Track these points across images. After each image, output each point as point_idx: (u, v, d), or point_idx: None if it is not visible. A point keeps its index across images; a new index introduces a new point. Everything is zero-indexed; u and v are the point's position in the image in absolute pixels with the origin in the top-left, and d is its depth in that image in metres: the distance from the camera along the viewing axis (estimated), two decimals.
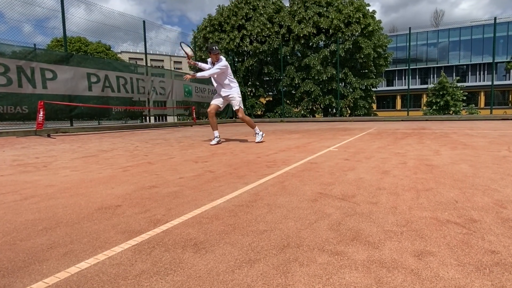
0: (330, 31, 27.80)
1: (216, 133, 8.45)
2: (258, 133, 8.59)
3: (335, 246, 1.97)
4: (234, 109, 8.63)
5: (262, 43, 28.87)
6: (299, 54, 29.50)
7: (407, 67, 25.83)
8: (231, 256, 1.86)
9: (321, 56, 27.73)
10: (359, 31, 27.64)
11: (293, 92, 29.64)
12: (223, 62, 8.31)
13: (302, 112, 29.17)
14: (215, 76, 8.37)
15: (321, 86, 28.52)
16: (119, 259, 1.85)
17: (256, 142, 8.35)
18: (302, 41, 28.22)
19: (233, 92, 8.57)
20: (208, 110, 8.52)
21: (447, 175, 3.90)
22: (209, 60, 8.58)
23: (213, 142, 8.25)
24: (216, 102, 8.55)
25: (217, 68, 8.22)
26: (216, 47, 8.15)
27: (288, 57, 28.96)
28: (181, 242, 2.05)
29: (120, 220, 2.49)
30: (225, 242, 2.04)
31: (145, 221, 2.45)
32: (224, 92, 8.52)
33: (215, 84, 8.58)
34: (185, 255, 1.88)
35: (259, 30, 28.39)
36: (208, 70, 8.44)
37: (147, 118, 20.32)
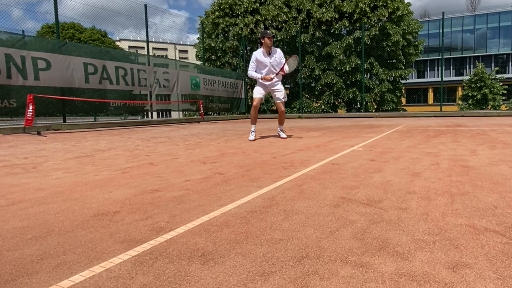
0: (355, 15, 27.69)
1: (254, 127, 9.06)
2: (283, 131, 9.37)
3: (360, 257, 1.95)
4: (278, 101, 9.15)
5: (279, 29, 28.83)
6: (320, 43, 29.42)
7: (440, 57, 25.66)
8: (243, 268, 1.85)
9: (344, 44, 27.65)
10: (387, 16, 27.51)
11: (313, 84, 29.59)
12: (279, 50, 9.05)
13: (323, 107, 29.10)
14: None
15: (344, 77, 28.46)
16: (118, 271, 1.85)
17: (282, 138, 9.08)
18: (323, 28, 28.13)
19: (280, 82, 9.15)
20: (254, 104, 8.99)
21: (485, 177, 3.87)
22: (258, 52, 8.87)
23: (252, 137, 8.66)
24: (260, 95, 9.02)
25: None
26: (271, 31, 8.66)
27: (307, 45, 28.87)
28: (187, 253, 2.05)
29: (119, 228, 2.49)
30: (236, 253, 2.03)
31: (146, 229, 2.45)
32: (273, 84, 9.02)
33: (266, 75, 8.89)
34: (191, 267, 1.87)
35: (275, 15, 28.32)
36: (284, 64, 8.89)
37: (149, 113, 20.37)
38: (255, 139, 8.65)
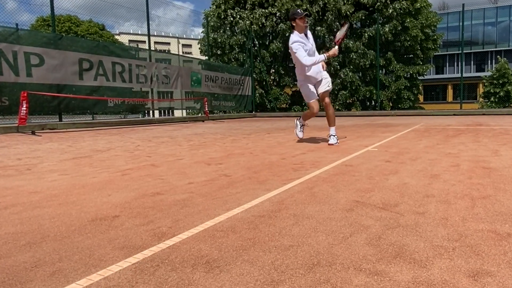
0: (373, 7, 27.62)
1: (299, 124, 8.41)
2: (334, 135, 7.64)
3: (374, 264, 1.95)
4: (323, 91, 7.79)
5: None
6: (333, 36, 29.37)
7: (460, 51, 25.59)
8: (250, 276, 1.85)
9: (363, 38, 27.61)
10: (405, 7, 27.44)
11: None
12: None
13: (337, 107, 29.05)
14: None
15: (360, 74, 28.40)
16: (117, 280, 1.84)
17: (329, 144, 7.48)
18: (342, 20, 28.03)
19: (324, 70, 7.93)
20: (315, 111, 7.77)
21: (508, 179, 3.86)
22: (296, 36, 7.45)
23: (333, 141, 7.53)
24: (316, 96, 7.80)
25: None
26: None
27: (320, 40, 28.80)
28: (190, 260, 2.05)
29: (118, 233, 2.49)
30: (243, 260, 2.03)
31: (147, 234, 2.45)
32: (317, 73, 7.74)
33: (308, 68, 7.66)
34: (195, 276, 1.87)
35: (289, 7, 28.24)
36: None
37: (150, 112, 20.39)
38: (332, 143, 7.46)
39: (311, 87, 7.71)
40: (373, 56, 27.42)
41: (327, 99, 7.77)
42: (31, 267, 1.99)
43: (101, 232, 2.51)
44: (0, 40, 12.43)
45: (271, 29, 28.73)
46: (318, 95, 7.80)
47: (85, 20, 53.79)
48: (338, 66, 28.50)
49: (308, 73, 7.61)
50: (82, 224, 2.69)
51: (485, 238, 2.25)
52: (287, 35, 28.29)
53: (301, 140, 8.29)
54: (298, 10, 7.47)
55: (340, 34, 7.78)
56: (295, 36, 7.44)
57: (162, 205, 3.15)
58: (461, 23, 26.80)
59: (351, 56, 27.88)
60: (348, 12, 27.46)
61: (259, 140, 8.70)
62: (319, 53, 7.50)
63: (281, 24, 28.54)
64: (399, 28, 27.66)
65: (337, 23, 28.10)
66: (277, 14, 28.88)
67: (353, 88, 28.31)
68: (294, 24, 7.44)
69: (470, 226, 2.47)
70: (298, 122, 8.39)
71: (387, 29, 27.19)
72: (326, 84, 7.75)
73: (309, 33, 7.64)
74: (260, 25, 28.82)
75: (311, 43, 7.59)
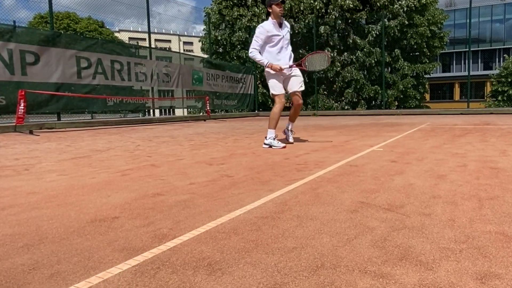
0: (378, 3, 27.58)
1: (274, 132, 7.48)
2: (271, 137, 7.40)
3: (380, 267, 1.94)
4: (295, 90, 7.60)
5: (295, 20, 28.69)
6: (337, 35, 29.35)
7: (467, 49, 25.53)
8: (253, 279, 1.85)
9: (369, 35, 27.58)
10: (411, 4, 27.41)
11: (330, 79, 29.51)
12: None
13: (342, 106, 29.02)
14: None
15: (365, 72, 28.38)
16: (117, 282, 1.84)
17: (290, 142, 7.77)
18: (346, 16, 28.01)
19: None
20: (283, 101, 7.61)
21: None
22: (267, 24, 7.41)
23: (279, 144, 7.25)
24: (283, 89, 7.61)
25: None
26: None
27: (323, 37, 28.78)
28: (191, 262, 2.05)
29: (118, 235, 2.49)
30: (245, 262, 2.03)
31: (148, 236, 2.45)
32: (287, 68, 7.49)
33: (277, 57, 7.51)
34: (196, 278, 1.87)
35: (293, 4, 28.17)
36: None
37: (151, 111, 20.39)
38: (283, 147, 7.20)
39: (280, 79, 7.53)
40: (379, 54, 27.38)
41: (300, 100, 7.72)
42: (29, 269, 1.99)
43: (101, 233, 2.52)
44: None
45: None
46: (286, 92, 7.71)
47: (84, 17, 53.83)
48: (340, 65, 28.48)
49: (276, 63, 7.38)
50: (81, 225, 2.69)
51: (493, 240, 2.25)
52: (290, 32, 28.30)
53: (304, 140, 8.29)
54: None
55: (310, 62, 7.58)
56: (267, 23, 7.42)
57: (162, 206, 3.15)
58: (468, 20, 26.77)
59: (357, 53, 27.86)
60: (351, 6, 27.39)
61: (262, 139, 8.69)
62: (323, 50, 7.51)
63: (286, 20, 28.46)
64: (405, 24, 27.63)
65: (339, 21, 28.09)
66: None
67: (358, 86, 28.29)
68: (270, 10, 7.37)
69: (477, 228, 2.46)
70: (270, 140, 7.40)
71: (393, 25, 27.15)
72: (300, 83, 7.63)
73: (285, 23, 7.62)
74: (261, 21, 28.71)
75: (284, 33, 7.50)
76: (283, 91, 7.57)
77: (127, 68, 17.12)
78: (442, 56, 62.89)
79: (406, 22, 27.59)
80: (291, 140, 7.92)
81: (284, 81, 7.60)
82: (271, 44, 7.46)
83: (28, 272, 1.96)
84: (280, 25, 7.46)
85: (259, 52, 7.44)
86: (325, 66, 7.73)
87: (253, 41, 7.42)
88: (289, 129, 8.03)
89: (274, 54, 7.48)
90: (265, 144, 7.36)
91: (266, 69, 7.51)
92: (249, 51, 7.48)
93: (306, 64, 7.58)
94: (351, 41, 28.08)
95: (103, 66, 15.98)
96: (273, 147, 7.20)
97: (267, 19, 7.53)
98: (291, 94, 7.71)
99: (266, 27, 7.36)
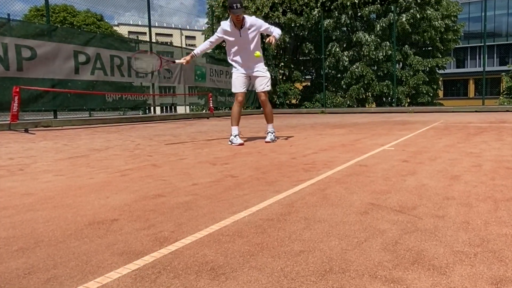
0: None
1: (237, 129, 7.91)
2: (272, 132, 8.15)
3: (391, 271, 1.94)
4: (261, 91, 8.08)
5: (299, 14, 28.69)
6: (345, 29, 29.32)
7: (483, 44, 25.40)
8: (258, 284, 1.85)
9: (376, 30, 27.54)
10: None
11: (338, 75, 29.48)
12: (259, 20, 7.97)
13: (348, 102, 28.99)
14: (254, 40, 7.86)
15: (375, 68, 28.33)
16: (116, 287, 1.85)
17: (266, 142, 7.97)
18: (350, 12, 27.97)
19: (262, 64, 8.11)
20: (240, 99, 8.04)
21: None
22: (226, 24, 7.78)
23: (237, 140, 7.67)
24: (243, 87, 8.04)
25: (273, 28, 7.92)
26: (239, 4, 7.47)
27: (331, 31, 28.74)
28: (194, 266, 2.05)
29: (117, 238, 2.49)
30: (250, 267, 2.03)
31: (148, 239, 2.46)
32: (251, 67, 7.97)
33: (234, 57, 7.99)
34: (199, 283, 1.87)
35: None
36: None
37: (151, 108, 20.39)
38: (243, 143, 7.72)
39: (241, 77, 7.98)
40: (388, 48, 27.32)
41: (263, 97, 8.14)
42: (24, 274, 2.00)
43: (99, 236, 2.52)
44: None
45: (278, 20, 28.60)
46: (254, 90, 8.30)
47: (82, 10, 53.80)
48: (349, 62, 28.45)
49: (232, 58, 8.03)
50: (78, 228, 2.70)
51: (509, 243, 2.25)
52: (292, 26, 28.29)
53: (312, 139, 8.28)
54: (235, 4, 7.37)
55: (278, 32, 7.88)
56: (225, 23, 7.80)
57: (164, 208, 3.15)
58: (483, 14, 26.64)
59: (364, 49, 27.80)
60: (360, 2, 27.35)
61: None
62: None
63: (289, 13, 28.43)
64: (418, 17, 27.54)
65: (345, 16, 28.03)
66: (283, 5, 28.78)
67: (365, 82, 28.22)
68: (229, 13, 7.63)
69: (493, 230, 2.46)
70: (232, 137, 7.83)
71: (404, 19, 27.05)
72: (265, 83, 8.06)
73: (251, 27, 7.72)
74: (264, 16, 28.69)
75: (244, 36, 7.72)
76: (240, 90, 8.02)
77: (127, 64, 17.08)
78: (456, 51, 62.59)
79: (418, 16, 27.49)
80: (268, 139, 8.11)
81: (252, 80, 8.17)
82: (228, 44, 8.00)
83: (23, 276, 1.97)
84: (241, 27, 7.65)
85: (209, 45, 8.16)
86: (152, 68, 8.53)
87: (208, 40, 8.18)
88: (268, 131, 8.25)
89: (230, 52, 8.05)
90: (229, 141, 7.89)
91: (233, 69, 8.14)
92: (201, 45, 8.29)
93: (277, 34, 7.84)
94: (356, 38, 28.04)
95: (102, 61, 15.98)
96: (232, 144, 7.71)
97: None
98: (257, 93, 8.26)
99: (223, 26, 7.82)
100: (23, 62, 13.28)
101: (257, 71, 8.00)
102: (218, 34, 7.88)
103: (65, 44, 14.64)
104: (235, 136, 7.75)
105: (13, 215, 3.02)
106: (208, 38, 8.57)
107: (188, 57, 8.00)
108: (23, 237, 2.53)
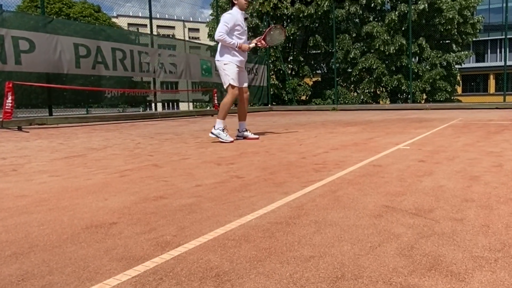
0: None
1: (223, 124, 8.11)
2: (220, 128, 8.04)
3: (406, 277, 1.93)
4: (246, 85, 8.60)
5: (308, 4, 28.69)
6: (357, 19, 29.30)
7: (503, 36, 25.27)
8: None
9: (387, 21, 27.50)
10: None
11: (349, 70, 29.45)
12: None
13: (362, 97, 28.97)
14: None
15: (387, 62, 28.30)
16: None
17: (249, 139, 8.37)
18: (362, 2, 27.96)
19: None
20: (236, 92, 8.23)
21: None
22: (236, 12, 8.11)
23: (228, 138, 7.89)
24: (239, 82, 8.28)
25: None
26: None
27: (342, 23, 28.71)
28: (198, 273, 2.04)
29: (116, 242, 2.50)
30: (257, 273, 2.03)
31: (149, 244, 2.46)
32: (243, 61, 8.46)
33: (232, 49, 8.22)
34: None
35: None
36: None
37: (153, 105, 20.38)
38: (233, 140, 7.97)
39: (238, 70, 8.21)
40: (401, 41, 27.26)
41: (248, 93, 8.65)
42: (17, 280, 2.00)
43: (97, 241, 2.52)
44: None
45: (286, 11, 28.57)
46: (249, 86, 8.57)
47: (79, 1, 53.76)
48: (359, 55, 28.41)
49: (237, 53, 8.20)
50: (75, 232, 2.70)
51: None
52: (301, 16, 28.25)
53: (322, 138, 8.28)
54: None
55: (271, 38, 8.56)
56: (235, 12, 8.10)
57: (165, 210, 3.15)
58: (504, 5, 26.55)
59: (376, 42, 27.75)
60: None
61: (276, 137, 8.71)
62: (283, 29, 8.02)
63: (297, 4, 28.38)
64: (429, 11, 27.47)
65: (358, 7, 28.01)
66: None
67: (375, 76, 28.17)
68: (235, 2, 8.01)
69: None
70: (218, 131, 8.01)
71: (421, 7, 26.95)
72: (247, 79, 8.64)
73: (243, 15, 8.35)
74: (273, 7, 28.67)
75: (245, 26, 8.33)
76: (241, 85, 8.36)
77: (130, 57, 17.07)
78: (476, 44, 62.30)
79: (427, 9, 27.37)
80: (252, 136, 8.47)
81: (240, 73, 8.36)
82: (236, 34, 8.12)
83: (17, 283, 1.97)
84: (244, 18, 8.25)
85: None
86: (282, 40, 9.03)
87: (222, 26, 8.01)
88: (244, 129, 8.48)
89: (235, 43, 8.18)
90: (212, 133, 8.01)
91: (227, 59, 8.16)
92: (217, 35, 8.04)
93: (268, 39, 8.55)
94: (364, 30, 28.02)
95: (103, 54, 15.97)
96: (220, 139, 7.93)
97: (231, 8, 8.26)
98: (241, 89, 8.43)
99: (235, 15, 8.07)
100: (20, 55, 13.25)
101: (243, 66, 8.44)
102: (231, 23, 7.97)
103: (62, 36, 14.62)
104: (223, 130, 7.96)
105: (6, 218, 3.03)
106: (212, 31, 8.75)
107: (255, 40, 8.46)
108: (17, 242, 2.53)
